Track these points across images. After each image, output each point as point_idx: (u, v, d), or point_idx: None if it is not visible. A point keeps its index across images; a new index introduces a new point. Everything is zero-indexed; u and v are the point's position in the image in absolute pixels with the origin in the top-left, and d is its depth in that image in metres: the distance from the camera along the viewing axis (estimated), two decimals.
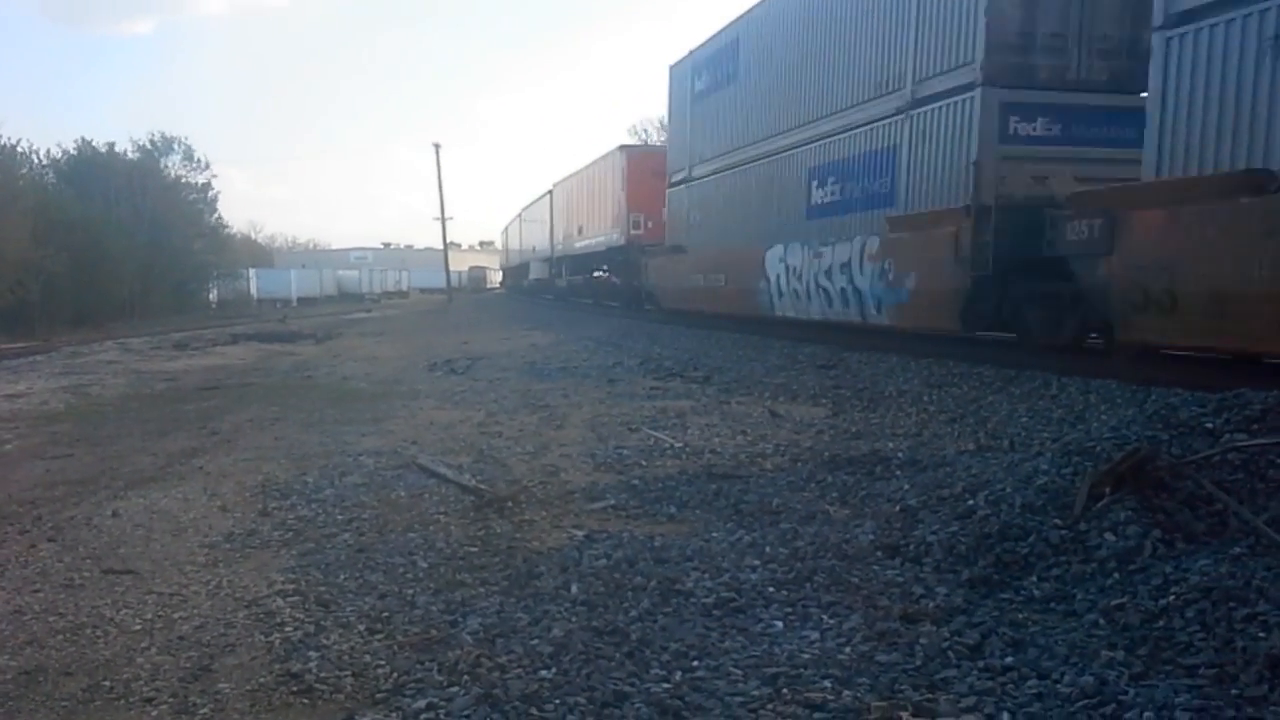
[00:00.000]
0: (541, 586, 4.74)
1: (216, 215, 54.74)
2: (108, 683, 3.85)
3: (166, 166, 51.31)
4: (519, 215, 58.80)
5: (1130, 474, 4.72)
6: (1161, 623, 3.76)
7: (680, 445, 8.45)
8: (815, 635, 3.97)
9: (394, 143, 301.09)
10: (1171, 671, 3.43)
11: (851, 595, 4.41)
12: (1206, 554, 4.18)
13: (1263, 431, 5.08)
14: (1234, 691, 3.25)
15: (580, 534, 5.70)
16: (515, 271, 68.36)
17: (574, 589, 4.66)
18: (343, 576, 5.05)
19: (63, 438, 10.13)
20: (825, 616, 4.18)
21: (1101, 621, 3.93)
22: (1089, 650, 3.67)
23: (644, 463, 7.77)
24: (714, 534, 5.59)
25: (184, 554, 5.61)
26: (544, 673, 3.69)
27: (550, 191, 46.91)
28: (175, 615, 4.58)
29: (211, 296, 54.76)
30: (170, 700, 3.67)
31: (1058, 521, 4.72)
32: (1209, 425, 5.30)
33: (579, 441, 8.91)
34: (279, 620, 4.45)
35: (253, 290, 61.75)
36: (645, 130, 60.79)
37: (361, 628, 4.32)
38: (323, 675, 3.81)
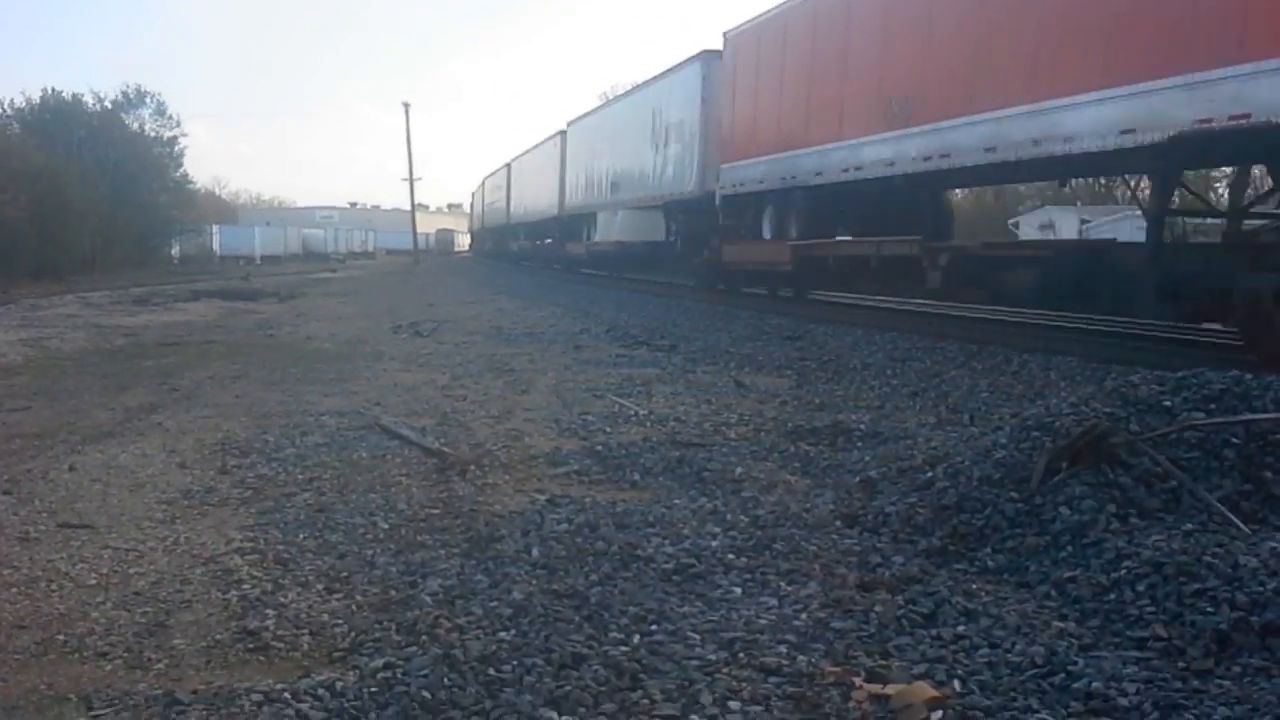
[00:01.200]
0: (502, 549, 4.74)
1: (182, 170, 53.78)
2: (61, 636, 3.80)
3: (136, 119, 50.32)
4: (560, 133, 39.30)
5: (1087, 449, 4.77)
6: (1113, 596, 3.82)
7: (645, 413, 8.46)
8: (773, 602, 4.00)
9: (363, 101, 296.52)
10: (1121, 644, 3.49)
11: (810, 563, 4.44)
12: (1159, 530, 4.24)
13: (1219, 411, 5.15)
14: (1181, 664, 3.31)
15: (542, 498, 5.70)
16: (502, 233, 56.58)
17: (535, 552, 4.66)
18: (302, 536, 5.02)
19: (20, 391, 9.98)
20: (783, 584, 4.20)
21: (1053, 593, 3.99)
22: (1040, 621, 3.72)
23: (608, 429, 7.77)
24: (676, 501, 5.61)
25: (141, 510, 5.56)
26: (503, 634, 3.69)
27: (699, 59, 22.98)
28: (131, 571, 4.54)
29: (174, 252, 53.90)
30: (124, 655, 3.64)
31: (1014, 495, 4.77)
32: (1167, 404, 5.35)
33: (543, 407, 8.90)
34: (236, 578, 4.42)
35: (216, 247, 60.97)
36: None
37: (320, 587, 4.30)
38: (280, 633, 3.79)
